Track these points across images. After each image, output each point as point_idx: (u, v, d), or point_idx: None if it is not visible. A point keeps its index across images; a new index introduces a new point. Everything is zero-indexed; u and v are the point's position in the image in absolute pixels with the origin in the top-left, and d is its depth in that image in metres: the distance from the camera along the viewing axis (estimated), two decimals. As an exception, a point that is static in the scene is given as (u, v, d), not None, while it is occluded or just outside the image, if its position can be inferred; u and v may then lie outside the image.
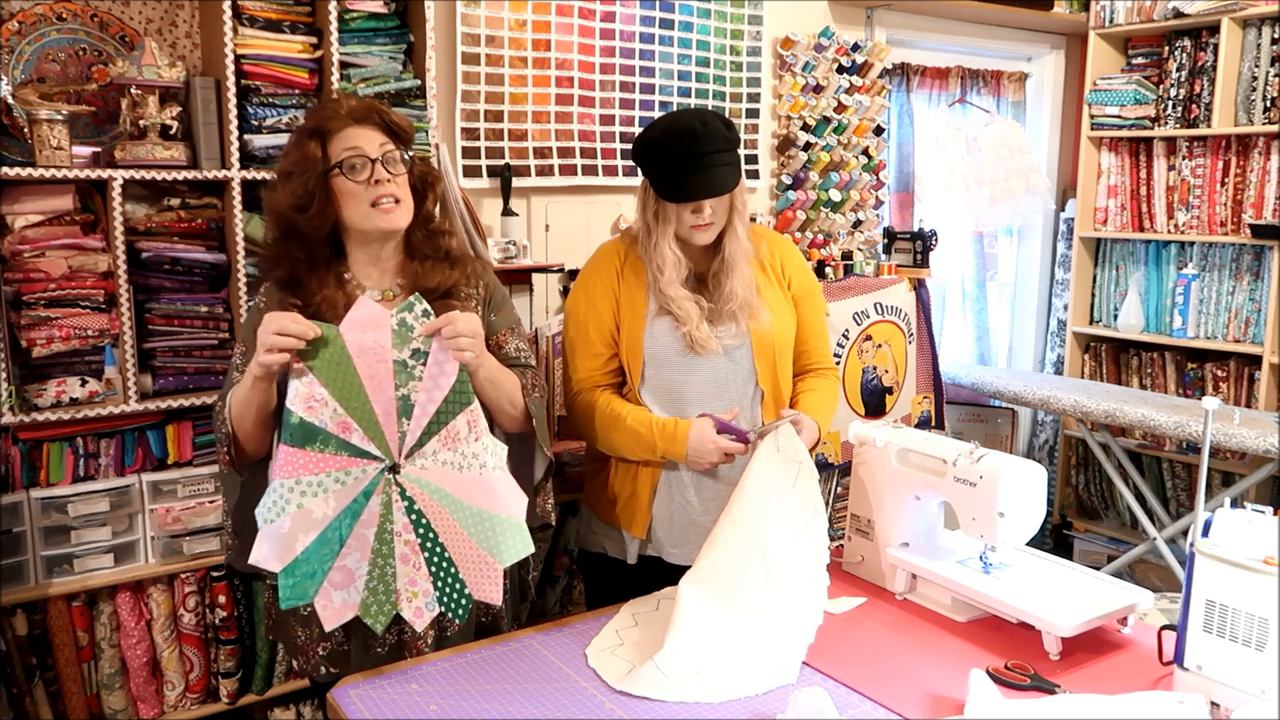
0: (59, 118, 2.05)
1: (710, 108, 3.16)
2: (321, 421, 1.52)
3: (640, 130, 1.99)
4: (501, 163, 2.78)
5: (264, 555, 1.50)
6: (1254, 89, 3.51)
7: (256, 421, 1.59)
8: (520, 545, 1.60)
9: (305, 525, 1.51)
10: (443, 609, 1.60)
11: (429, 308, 1.56)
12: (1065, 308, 4.18)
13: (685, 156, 1.81)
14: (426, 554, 1.59)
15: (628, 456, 1.94)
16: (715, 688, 1.46)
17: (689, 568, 1.66)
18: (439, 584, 1.60)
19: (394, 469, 1.58)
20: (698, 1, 3.12)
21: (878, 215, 3.65)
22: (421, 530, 1.59)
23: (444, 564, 1.60)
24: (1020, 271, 4.44)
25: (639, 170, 1.92)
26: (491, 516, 1.58)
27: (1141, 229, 3.90)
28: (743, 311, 1.90)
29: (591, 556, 2.07)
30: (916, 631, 1.68)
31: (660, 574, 1.91)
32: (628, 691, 1.45)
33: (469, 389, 1.59)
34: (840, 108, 3.43)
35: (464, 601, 1.60)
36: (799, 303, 2.02)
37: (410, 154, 1.69)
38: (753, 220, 2.07)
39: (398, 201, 1.63)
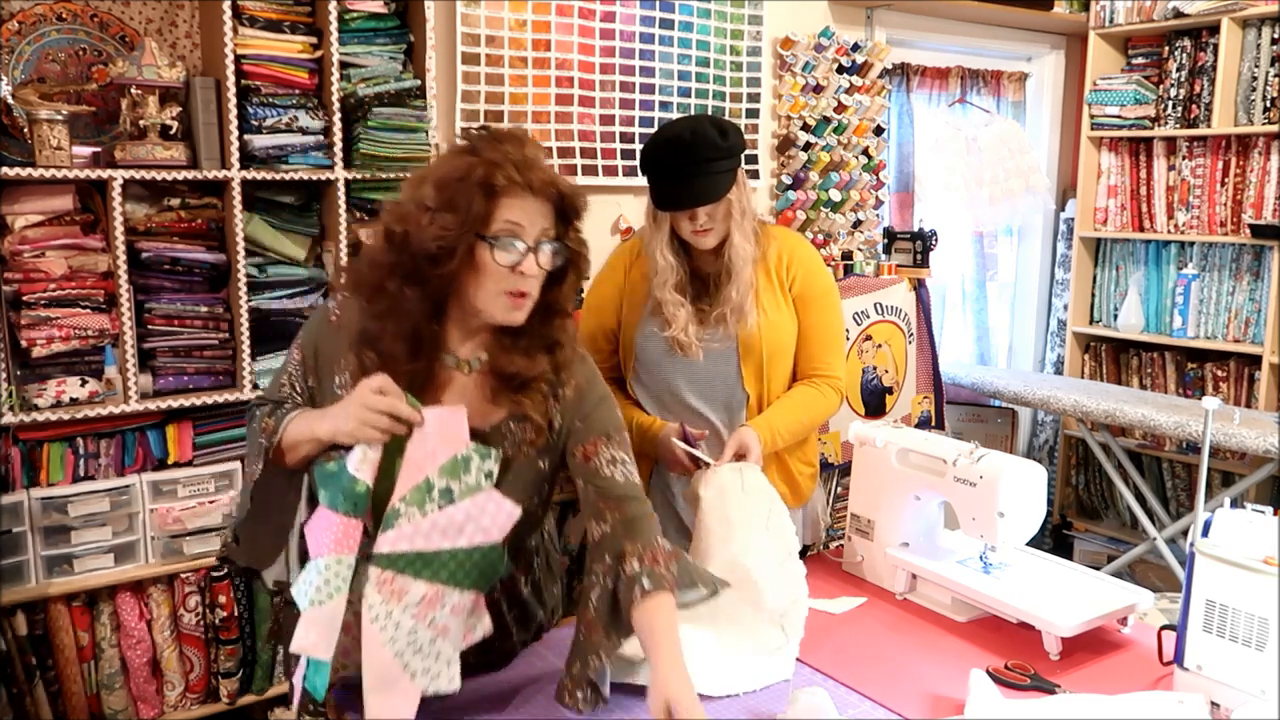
0: (59, 118, 2.06)
1: (710, 108, 3.18)
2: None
3: (646, 131, 2.01)
4: (501, 163, 2.78)
5: (311, 642, 1.29)
6: (1254, 89, 3.51)
7: (300, 462, 1.40)
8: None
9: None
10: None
11: (494, 471, 1.35)
12: (1065, 308, 4.18)
13: (674, 165, 1.84)
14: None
15: None
16: (715, 683, 1.46)
17: None
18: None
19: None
20: (698, 1, 3.12)
21: (878, 215, 3.65)
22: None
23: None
24: (1020, 271, 4.44)
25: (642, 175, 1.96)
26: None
27: (1141, 229, 3.90)
28: (734, 315, 1.92)
29: None
30: (916, 631, 1.68)
31: None
32: (628, 681, 1.45)
33: (490, 575, 1.36)
34: (840, 108, 3.43)
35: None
36: (801, 307, 2.00)
37: (567, 234, 1.43)
38: (765, 222, 2.07)
39: (528, 294, 1.38)
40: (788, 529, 1.67)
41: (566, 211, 1.40)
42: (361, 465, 1.30)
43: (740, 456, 1.83)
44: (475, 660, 1.43)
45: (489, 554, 1.35)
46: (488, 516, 1.34)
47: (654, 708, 1.24)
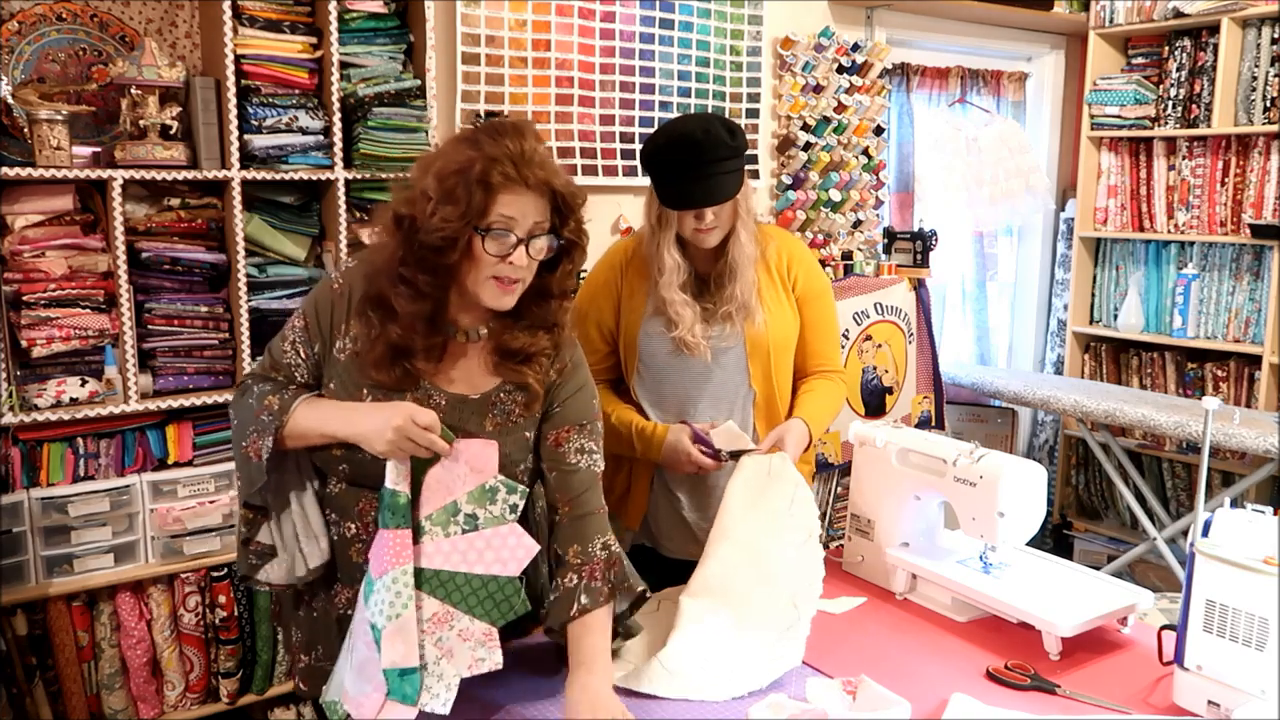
0: (59, 118, 2.05)
1: (710, 108, 3.18)
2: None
3: (646, 131, 2.00)
4: (501, 163, 2.78)
5: (400, 654, 1.34)
6: (1254, 89, 3.51)
7: (300, 446, 1.48)
8: None
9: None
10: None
11: (520, 505, 1.43)
12: (1065, 308, 4.18)
13: (685, 164, 1.83)
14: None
15: (610, 450, 1.97)
16: (721, 683, 1.46)
17: (681, 560, 1.67)
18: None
19: None
20: (698, 1, 3.12)
21: (878, 215, 3.65)
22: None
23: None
24: (1020, 271, 4.44)
25: (643, 173, 1.94)
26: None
27: (1141, 229, 3.89)
28: (739, 314, 1.92)
29: None
30: (916, 631, 1.68)
31: (656, 565, 1.95)
32: (632, 689, 1.45)
33: (505, 610, 1.40)
34: (840, 108, 3.43)
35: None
36: (803, 305, 2.02)
37: (564, 225, 1.49)
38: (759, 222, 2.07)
39: (518, 281, 1.45)
40: (810, 514, 1.68)
41: (560, 207, 1.46)
42: (399, 480, 1.37)
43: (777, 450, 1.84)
44: None
45: (505, 587, 1.40)
46: (507, 549, 1.40)
47: (584, 709, 1.32)
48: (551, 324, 1.54)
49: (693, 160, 1.82)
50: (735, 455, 1.83)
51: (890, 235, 3.52)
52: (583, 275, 2.75)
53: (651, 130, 3.00)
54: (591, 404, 1.58)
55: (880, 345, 3.28)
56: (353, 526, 1.52)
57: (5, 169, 2.00)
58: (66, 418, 2.10)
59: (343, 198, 2.34)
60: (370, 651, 1.36)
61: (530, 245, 1.43)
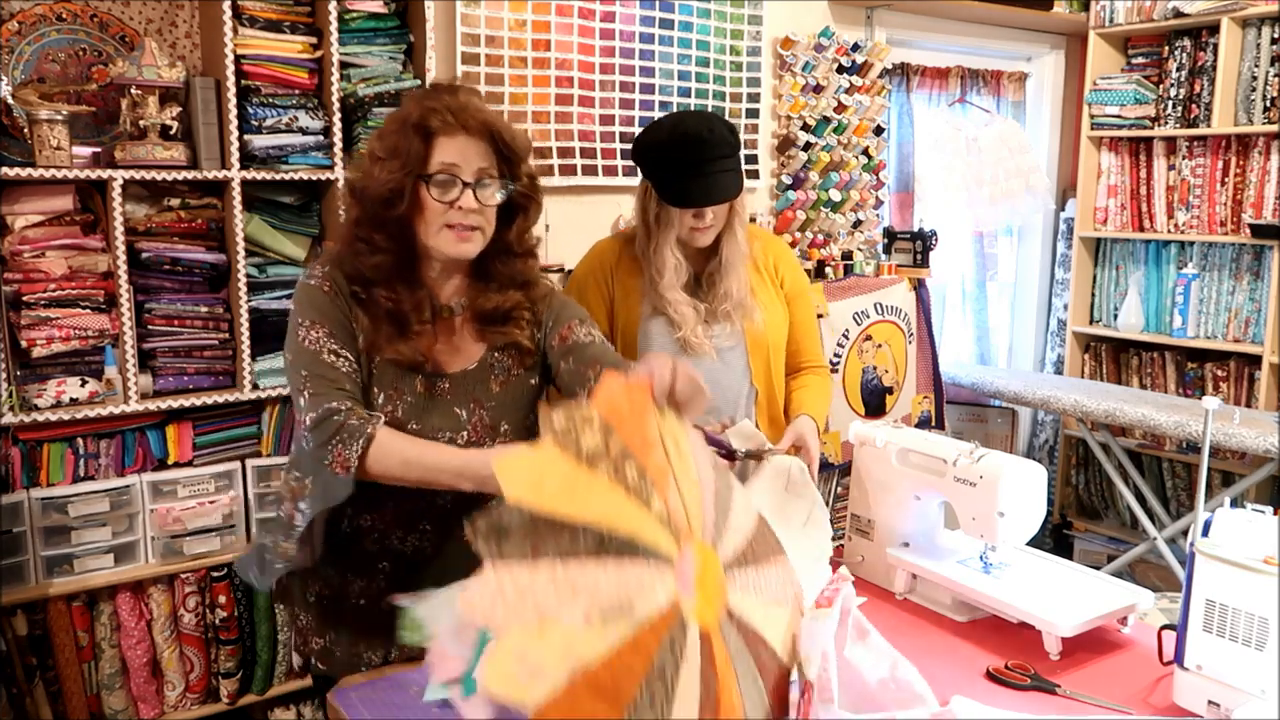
0: (59, 118, 2.05)
1: (710, 108, 3.18)
2: None
3: (641, 130, 2.00)
4: (501, 163, 2.78)
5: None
6: (1254, 89, 3.51)
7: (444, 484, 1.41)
8: None
9: None
10: None
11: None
12: (1065, 307, 4.18)
13: (691, 162, 1.82)
14: None
15: None
16: None
17: None
18: None
19: None
20: (698, 1, 3.12)
21: (878, 215, 3.65)
22: None
23: None
24: (1020, 271, 4.44)
25: (639, 171, 1.93)
26: None
27: (1141, 229, 3.90)
28: (737, 312, 1.92)
29: None
30: (916, 631, 1.67)
31: None
32: None
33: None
34: (840, 108, 3.43)
35: None
36: (791, 302, 2.04)
37: (514, 176, 1.52)
38: (751, 220, 2.08)
39: (474, 229, 1.47)
40: (824, 535, 1.67)
41: (504, 152, 1.49)
42: None
43: (796, 449, 1.85)
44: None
45: None
46: None
47: None
48: (521, 281, 1.57)
49: (699, 159, 1.82)
50: (749, 455, 1.82)
51: (890, 235, 3.52)
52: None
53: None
54: (582, 310, 1.65)
55: (880, 345, 3.28)
56: (368, 519, 1.54)
57: (5, 169, 2.00)
58: (66, 418, 2.10)
59: (343, 198, 2.34)
60: (473, 634, 1.24)
61: (479, 190, 1.45)
